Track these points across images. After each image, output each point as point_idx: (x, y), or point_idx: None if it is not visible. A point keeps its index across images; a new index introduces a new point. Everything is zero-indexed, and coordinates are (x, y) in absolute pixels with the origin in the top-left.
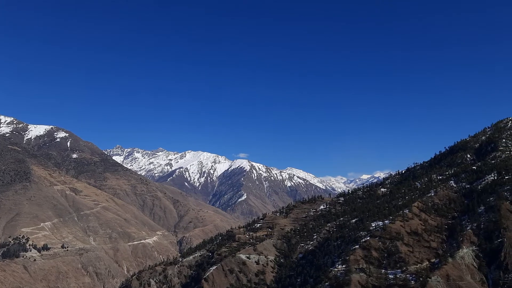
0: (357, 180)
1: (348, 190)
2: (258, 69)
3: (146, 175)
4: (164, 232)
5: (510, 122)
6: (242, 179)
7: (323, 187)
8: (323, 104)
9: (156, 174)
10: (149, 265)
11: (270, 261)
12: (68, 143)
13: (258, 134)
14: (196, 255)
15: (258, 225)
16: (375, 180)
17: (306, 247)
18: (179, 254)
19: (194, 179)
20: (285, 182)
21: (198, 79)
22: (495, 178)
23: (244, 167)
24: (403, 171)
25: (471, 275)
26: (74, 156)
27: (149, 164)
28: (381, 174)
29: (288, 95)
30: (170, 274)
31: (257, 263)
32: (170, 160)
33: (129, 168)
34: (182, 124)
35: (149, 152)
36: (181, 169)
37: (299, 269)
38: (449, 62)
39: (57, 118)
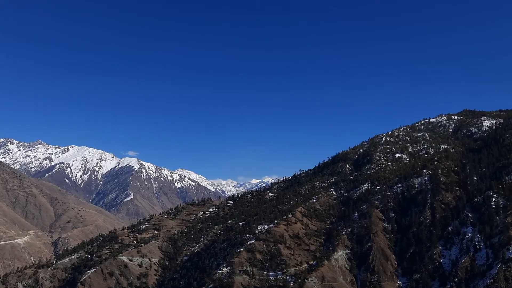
0: (247, 184)
1: (238, 193)
2: (150, 64)
3: (21, 169)
4: (37, 232)
5: (384, 137)
6: (130, 178)
7: (214, 190)
8: (215, 106)
9: (32, 169)
10: (18, 268)
11: (154, 263)
12: None
13: (149, 133)
14: (73, 257)
15: (144, 226)
16: (264, 185)
17: (192, 250)
18: (54, 256)
19: (76, 176)
20: (176, 183)
21: (88, 71)
22: (369, 187)
23: (132, 166)
24: (290, 178)
25: (343, 276)
26: None
27: (25, 157)
28: (269, 179)
29: (180, 94)
30: (42, 278)
31: (140, 265)
32: (50, 154)
33: (0, 160)
34: (66, 117)
35: (26, 144)
36: (62, 165)
37: (184, 272)
38: (337, 77)
39: None
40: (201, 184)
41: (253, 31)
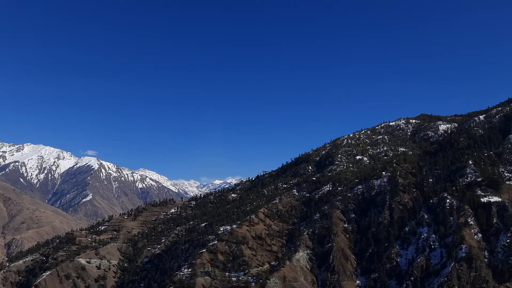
0: (210, 185)
1: (201, 194)
2: (111, 61)
3: None
4: None
5: (346, 140)
6: (89, 178)
7: (176, 191)
8: (179, 106)
9: None
10: None
11: (113, 265)
12: None
13: (110, 132)
14: (27, 259)
15: (103, 227)
16: (227, 186)
17: (153, 251)
18: (7, 259)
19: (31, 175)
20: (137, 184)
21: (46, 67)
22: (330, 188)
23: (92, 165)
24: (253, 178)
25: (304, 276)
26: None
27: None
28: (233, 180)
29: (143, 92)
30: None
31: (98, 267)
32: (4, 152)
33: None
34: (21, 113)
35: None
36: (17, 163)
37: (144, 274)
38: (298, 81)
39: None
40: (163, 184)
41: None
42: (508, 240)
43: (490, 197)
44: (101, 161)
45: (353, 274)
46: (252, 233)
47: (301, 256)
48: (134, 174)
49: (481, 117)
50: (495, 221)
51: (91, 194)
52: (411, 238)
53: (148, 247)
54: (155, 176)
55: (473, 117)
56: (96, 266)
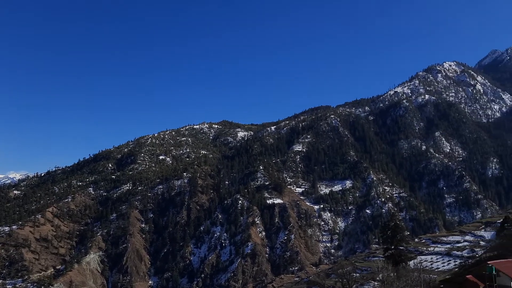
0: None
1: None
2: None
3: None
4: None
5: (150, 139)
6: None
7: None
8: None
9: None
10: None
11: None
12: None
13: None
14: None
15: None
16: (9, 181)
17: None
18: None
19: None
20: None
21: None
22: (130, 188)
23: None
24: (43, 174)
25: (94, 279)
26: None
27: None
28: (16, 175)
29: None
30: None
31: None
32: None
33: None
34: None
35: None
36: None
37: None
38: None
39: None
40: None
41: None
42: (285, 237)
43: (274, 199)
44: None
45: (146, 275)
46: (36, 235)
47: (92, 258)
48: None
49: (273, 128)
50: (277, 220)
51: None
52: (205, 237)
53: None
54: None
55: (266, 127)
56: None
